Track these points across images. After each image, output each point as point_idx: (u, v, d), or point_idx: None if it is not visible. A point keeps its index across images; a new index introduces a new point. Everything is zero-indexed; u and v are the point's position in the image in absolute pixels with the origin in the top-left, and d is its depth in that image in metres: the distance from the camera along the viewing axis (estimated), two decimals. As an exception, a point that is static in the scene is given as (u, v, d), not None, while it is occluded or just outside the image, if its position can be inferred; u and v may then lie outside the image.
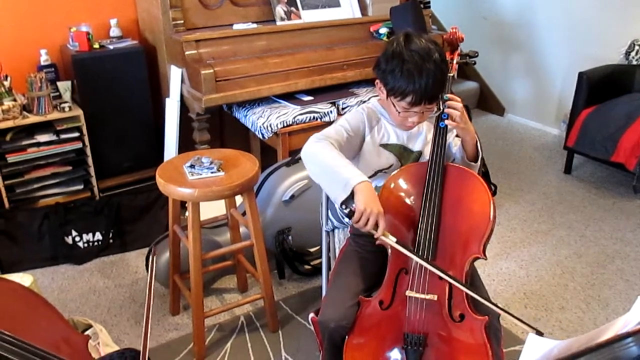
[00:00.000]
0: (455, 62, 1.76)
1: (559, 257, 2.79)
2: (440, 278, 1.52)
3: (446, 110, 1.59)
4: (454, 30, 1.79)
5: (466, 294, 1.51)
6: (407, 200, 1.62)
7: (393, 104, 1.61)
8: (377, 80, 1.66)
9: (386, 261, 1.60)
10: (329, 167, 1.52)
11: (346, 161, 1.52)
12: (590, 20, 3.93)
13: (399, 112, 1.61)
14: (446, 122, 1.60)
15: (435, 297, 1.52)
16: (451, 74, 1.72)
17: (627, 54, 3.68)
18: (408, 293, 1.54)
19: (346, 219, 1.50)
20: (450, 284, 1.52)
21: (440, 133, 1.63)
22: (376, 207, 1.44)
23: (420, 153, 1.73)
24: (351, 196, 1.45)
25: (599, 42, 3.88)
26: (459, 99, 1.61)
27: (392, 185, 1.63)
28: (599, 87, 3.46)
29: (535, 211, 3.24)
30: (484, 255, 1.53)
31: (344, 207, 1.46)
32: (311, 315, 1.68)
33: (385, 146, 1.71)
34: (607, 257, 2.79)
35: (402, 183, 1.64)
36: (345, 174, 1.47)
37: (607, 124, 3.28)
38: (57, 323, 1.21)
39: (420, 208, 1.57)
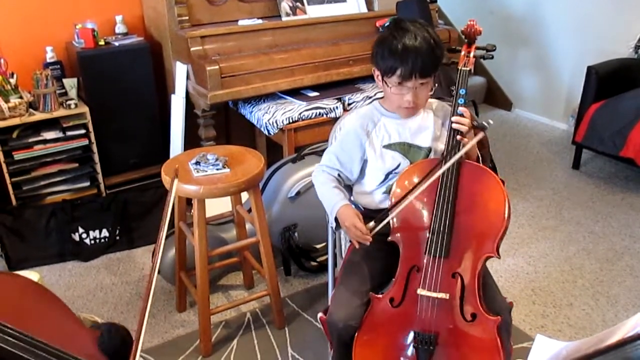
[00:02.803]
0: (472, 55, 1.73)
1: (568, 253, 2.77)
2: (453, 275, 1.51)
3: (454, 126, 1.59)
4: (472, 22, 1.76)
5: (478, 294, 1.49)
6: (420, 198, 1.59)
7: (387, 83, 1.62)
8: (374, 68, 1.68)
9: (395, 259, 1.59)
10: (321, 199, 1.72)
11: (328, 188, 1.69)
12: (599, 14, 3.88)
13: (391, 89, 1.61)
14: (458, 137, 1.59)
15: (447, 296, 1.50)
16: (467, 69, 1.68)
17: (637, 47, 3.64)
18: (419, 291, 1.52)
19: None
20: (462, 282, 1.51)
21: (454, 129, 1.61)
22: (348, 219, 1.59)
23: (430, 149, 1.70)
24: (338, 222, 1.64)
25: (608, 36, 3.84)
26: (468, 115, 1.61)
27: (405, 182, 1.62)
28: (608, 82, 3.42)
29: (543, 207, 3.21)
30: (498, 254, 1.51)
31: (339, 230, 1.69)
32: (320, 314, 1.67)
33: (388, 146, 1.69)
34: (616, 254, 2.76)
35: (415, 180, 1.62)
36: (329, 205, 1.67)
37: (616, 119, 3.25)
38: (67, 319, 1.21)
39: (433, 205, 1.56)
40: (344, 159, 1.72)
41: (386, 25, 3.18)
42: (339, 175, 1.73)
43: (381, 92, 1.74)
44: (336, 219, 1.63)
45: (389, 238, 1.59)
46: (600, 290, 2.50)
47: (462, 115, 1.60)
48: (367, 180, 1.74)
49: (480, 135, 1.51)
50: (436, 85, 1.68)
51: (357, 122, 1.72)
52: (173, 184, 1.67)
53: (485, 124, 1.52)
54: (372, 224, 1.57)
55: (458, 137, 1.58)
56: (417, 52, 1.53)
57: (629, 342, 0.65)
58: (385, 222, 1.58)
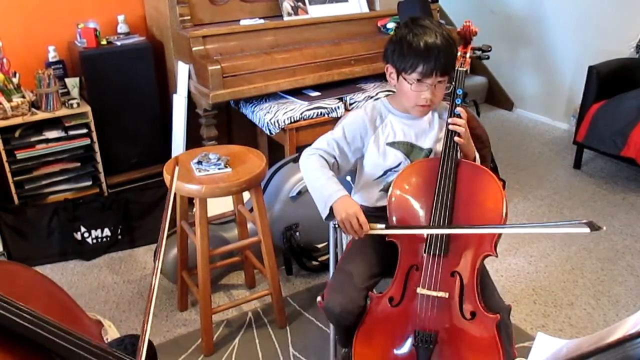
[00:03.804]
0: (468, 56, 1.74)
1: (569, 252, 2.78)
2: (452, 274, 1.51)
3: (450, 127, 1.61)
4: (468, 24, 1.77)
5: (477, 292, 1.50)
6: (419, 196, 1.60)
7: (405, 79, 1.61)
8: (387, 66, 1.67)
9: (393, 250, 1.60)
10: (313, 184, 1.64)
11: (326, 176, 1.61)
12: (600, 14, 3.88)
13: (412, 85, 1.60)
14: (455, 138, 1.60)
15: (447, 295, 1.51)
16: (464, 69, 1.70)
17: (638, 47, 3.64)
18: (419, 290, 1.53)
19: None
20: (461, 281, 1.51)
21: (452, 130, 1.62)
22: (351, 208, 1.53)
23: (430, 150, 1.71)
24: (331, 211, 1.57)
25: (609, 36, 3.84)
26: (465, 116, 1.63)
27: (403, 181, 1.62)
28: (609, 81, 3.43)
29: (544, 206, 3.22)
30: (495, 252, 1.53)
31: (329, 221, 1.59)
32: (318, 298, 1.67)
33: (392, 144, 1.70)
34: (617, 253, 2.76)
35: (414, 179, 1.62)
36: (325, 192, 1.59)
37: (617, 119, 3.25)
38: (75, 312, 1.22)
39: (431, 204, 1.56)
40: (345, 146, 1.70)
41: (392, 21, 3.19)
42: (333, 164, 1.69)
43: (383, 91, 1.75)
44: (330, 209, 1.58)
45: (388, 237, 1.60)
46: (601, 290, 2.50)
47: (459, 115, 1.62)
48: (365, 176, 1.75)
49: (584, 230, 1.28)
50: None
51: (366, 114, 1.72)
52: (174, 173, 1.62)
53: (599, 227, 1.29)
54: (380, 225, 1.55)
55: (456, 138, 1.60)
56: (438, 49, 1.55)
57: (630, 340, 0.66)
58: (393, 232, 1.57)
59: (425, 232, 1.56)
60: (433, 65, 1.55)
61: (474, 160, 1.69)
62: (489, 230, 1.51)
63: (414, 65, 1.57)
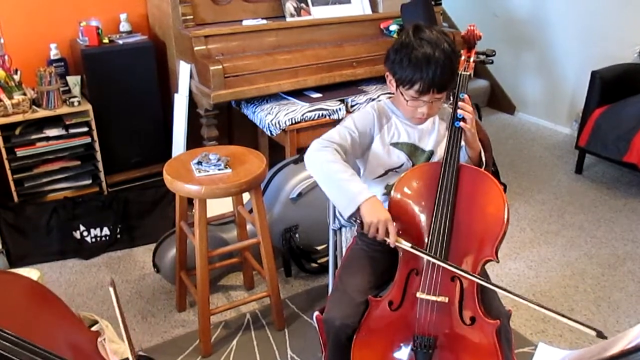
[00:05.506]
0: (472, 60, 1.73)
1: (569, 258, 2.76)
2: (452, 278, 1.50)
3: (459, 111, 1.58)
4: (472, 27, 1.76)
5: (477, 298, 1.49)
6: (420, 201, 1.59)
7: (402, 93, 1.60)
8: (387, 73, 1.66)
9: (394, 260, 1.59)
10: (334, 179, 1.55)
11: (349, 172, 1.54)
12: (604, 19, 3.87)
13: (408, 102, 1.60)
14: (460, 124, 1.58)
15: (446, 299, 1.50)
16: (467, 73, 1.69)
17: (641, 52, 3.63)
18: (419, 295, 1.52)
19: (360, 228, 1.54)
20: (461, 286, 1.50)
21: (455, 133, 1.60)
22: (383, 215, 1.48)
23: (432, 152, 1.71)
24: (357, 210, 1.50)
25: (613, 41, 3.83)
26: (471, 110, 1.61)
27: (404, 185, 1.61)
28: (612, 87, 3.41)
29: (545, 211, 3.20)
30: (497, 257, 1.51)
31: (353, 220, 1.51)
32: (316, 313, 1.67)
33: (395, 145, 1.70)
34: (618, 259, 2.75)
35: (415, 183, 1.61)
36: (351, 189, 1.51)
37: (620, 124, 3.24)
38: (67, 319, 1.20)
39: (433, 209, 1.55)
40: (356, 137, 1.65)
41: (395, 24, 3.18)
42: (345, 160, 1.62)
43: (384, 94, 1.74)
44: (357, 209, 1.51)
45: (392, 246, 1.57)
46: (601, 296, 2.49)
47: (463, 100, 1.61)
48: (366, 173, 1.74)
49: (591, 332, 1.30)
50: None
51: (375, 112, 1.71)
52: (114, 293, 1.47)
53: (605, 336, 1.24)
54: (406, 243, 1.49)
55: (461, 123, 1.58)
56: (436, 66, 1.52)
57: (632, 353, 0.65)
58: (416, 252, 1.49)
59: (445, 265, 1.47)
60: (430, 83, 1.53)
61: (480, 155, 1.66)
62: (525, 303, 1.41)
63: (411, 81, 1.55)
